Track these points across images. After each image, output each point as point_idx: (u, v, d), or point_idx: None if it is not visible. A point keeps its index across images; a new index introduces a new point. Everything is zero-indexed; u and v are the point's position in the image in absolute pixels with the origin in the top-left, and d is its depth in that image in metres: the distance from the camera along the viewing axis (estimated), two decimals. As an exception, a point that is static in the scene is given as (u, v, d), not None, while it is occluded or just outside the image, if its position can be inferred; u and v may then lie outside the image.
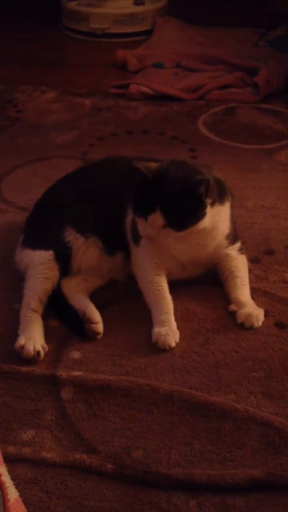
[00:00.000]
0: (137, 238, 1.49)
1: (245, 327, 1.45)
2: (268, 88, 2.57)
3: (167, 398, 1.28)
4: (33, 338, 1.38)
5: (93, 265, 1.55)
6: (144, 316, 1.49)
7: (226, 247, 1.53)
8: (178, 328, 1.43)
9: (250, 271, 1.57)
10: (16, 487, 1.07)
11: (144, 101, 2.57)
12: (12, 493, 1.05)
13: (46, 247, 1.52)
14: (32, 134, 2.35)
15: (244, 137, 2.29)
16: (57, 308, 1.49)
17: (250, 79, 2.65)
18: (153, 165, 1.41)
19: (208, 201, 1.40)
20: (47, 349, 1.38)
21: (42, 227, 1.59)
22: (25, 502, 1.08)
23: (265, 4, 3.54)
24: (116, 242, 1.55)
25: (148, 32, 3.26)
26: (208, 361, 1.37)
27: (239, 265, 1.54)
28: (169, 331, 1.40)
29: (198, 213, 1.39)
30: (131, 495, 1.11)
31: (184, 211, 1.38)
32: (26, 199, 1.90)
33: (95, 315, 1.44)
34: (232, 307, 1.49)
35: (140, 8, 3.26)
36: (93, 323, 1.43)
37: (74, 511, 1.09)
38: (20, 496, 1.06)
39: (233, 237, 1.54)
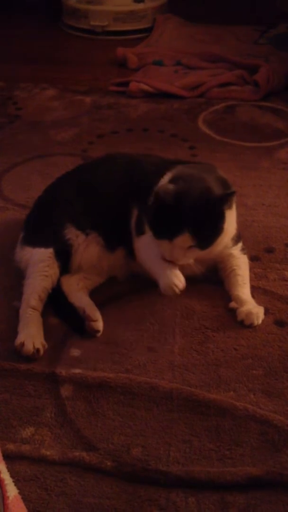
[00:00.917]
0: (141, 231, 1.48)
1: (245, 325, 1.45)
2: (268, 86, 2.57)
3: (167, 396, 1.28)
4: (33, 336, 1.38)
5: (93, 262, 1.55)
6: (144, 314, 1.49)
7: (231, 247, 1.53)
8: (177, 326, 1.43)
9: (250, 269, 1.57)
10: (15, 485, 1.07)
11: (144, 99, 2.57)
12: (12, 490, 1.04)
13: (46, 245, 1.52)
14: (32, 131, 2.35)
15: (244, 135, 2.29)
16: (56, 306, 1.49)
17: (250, 77, 2.64)
18: (169, 187, 1.38)
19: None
20: (46, 346, 1.38)
21: (42, 225, 1.59)
22: (25, 499, 1.08)
23: (265, 1, 3.53)
24: (117, 238, 1.55)
25: (148, 30, 3.25)
26: (208, 359, 1.37)
27: (241, 264, 1.54)
28: (173, 274, 1.38)
29: (221, 227, 1.40)
30: (131, 492, 1.11)
31: (210, 228, 1.39)
32: (26, 196, 1.90)
33: (95, 312, 1.44)
34: (233, 304, 1.49)
35: (140, 6, 3.26)
36: (93, 320, 1.43)
37: (73, 508, 1.09)
38: (19, 493, 1.06)
39: (237, 238, 1.55)
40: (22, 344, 1.36)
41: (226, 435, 1.21)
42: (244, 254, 1.57)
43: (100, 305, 1.48)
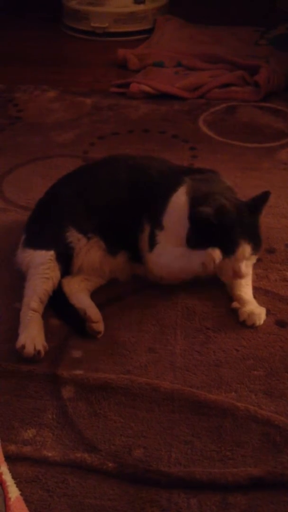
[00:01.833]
0: (153, 245, 1.51)
1: (246, 325, 1.45)
2: (269, 87, 2.57)
3: (168, 397, 1.28)
4: (34, 337, 1.38)
5: (95, 266, 1.55)
6: (145, 315, 1.49)
7: None
8: (178, 326, 1.44)
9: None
10: (17, 486, 1.07)
11: (144, 100, 2.57)
12: (13, 491, 1.05)
13: (47, 247, 1.52)
14: (33, 133, 2.35)
15: (245, 135, 2.29)
16: (58, 307, 1.49)
17: (251, 78, 2.64)
18: (206, 210, 1.41)
19: None
20: (47, 348, 1.38)
21: (43, 227, 1.59)
22: (26, 500, 1.08)
23: (265, 2, 3.53)
24: (120, 242, 1.55)
25: (149, 31, 3.25)
26: (209, 359, 1.37)
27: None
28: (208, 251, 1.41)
29: (260, 226, 1.50)
30: (132, 494, 1.11)
31: (257, 231, 1.48)
32: (27, 198, 1.90)
33: (96, 314, 1.44)
34: (235, 304, 1.50)
35: (141, 7, 3.26)
36: (94, 322, 1.43)
37: (75, 509, 1.09)
38: (21, 494, 1.06)
39: None
40: (23, 346, 1.36)
41: (227, 436, 1.21)
42: None
43: (101, 306, 1.48)
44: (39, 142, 2.28)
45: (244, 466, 1.15)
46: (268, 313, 1.48)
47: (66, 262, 1.52)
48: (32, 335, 1.38)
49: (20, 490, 1.07)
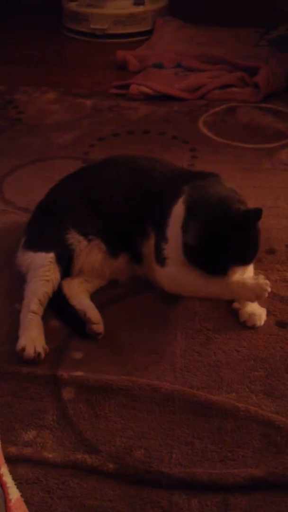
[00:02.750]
0: (162, 260, 1.49)
1: (247, 326, 1.45)
2: (269, 88, 2.57)
3: (169, 398, 1.28)
4: (34, 340, 1.38)
5: (95, 268, 1.55)
6: (145, 316, 1.49)
7: None
8: (179, 326, 1.44)
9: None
10: (17, 487, 1.07)
11: (144, 101, 2.57)
12: (14, 493, 1.04)
13: (47, 249, 1.52)
14: (32, 134, 2.35)
15: (245, 136, 2.29)
16: (58, 309, 1.49)
17: (251, 79, 2.64)
18: (187, 238, 1.40)
19: None
20: (47, 350, 1.38)
21: (44, 229, 1.59)
22: (27, 502, 1.07)
23: (265, 3, 3.53)
24: (121, 244, 1.54)
25: (149, 32, 3.25)
26: (210, 360, 1.37)
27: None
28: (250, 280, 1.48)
29: None
30: (133, 495, 1.11)
31: (249, 245, 1.47)
32: (27, 199, 1.90)
33: (96, 315, 1.44)
34: (236, 304, 1.49)
35: (140, 9, 3.26)
36: (94, 323, 1.43)
37: (75, 511, 1.09)
38: (21, 496, 1.06)
39: None
40: (23, 349, 1.36)
41: (228, 436, 1.21)
42: None
43: (101, 308, 1.48)
44: (39, 144, 2.28)
45: (245, 467, 1.15)
46: (268, 313, 1.48)
47: (66, 264, 1.52)
48: (32, 337, 1.38)
49: (20, 491, 1.07)
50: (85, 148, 2.23)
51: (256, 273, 1.60)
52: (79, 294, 1.51)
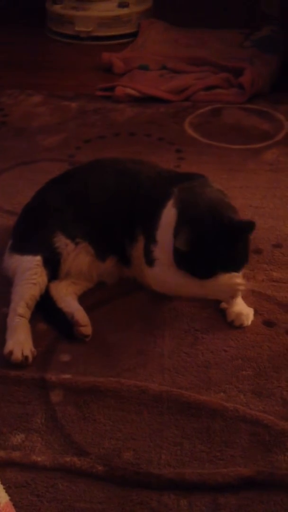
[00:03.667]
0: (151, 261, 1.49)
1: (234, 326, 1.46)
2: (253, 89, 2.58)
3: (157, 399, 1.28)
4: (21, 343, 1.37)
5: (83, 271, 1.54)
6: (133, 317, 1.49)
7: None
8: (166, 327, 1.44)
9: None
10: (6, 491, 1.07)
11: (130, 103, 2.57)
12: (3, 497, 1.04)
13: (34, 252, 1.51)
14: (18, 137, 2.34)
15: (231, 137, 2.30)
16: (45, 311, 1.49)
17: (235, 80, 2.65)
18: (177, 242, 1.40)
19: None
20: (35, 353, 1.38)
21: (30, 232, 1.58)
22: (16, 506, 1.07)
23: (249, 4, 3.55)
24: (109, 247, 1.54)
25: (133, 35, 3.25)
26: (198, 360, 1.37)
27: None
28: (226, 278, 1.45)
29: None
30: (122, 496, 1.11)
31: (240, 253, 1.48)
32: (13, 202, 1.89)
33: (83, 317, 1.44)
34: (223, 305, 1.50)
35: (125, 11, 3.26)
36: (82, 325, 1.42)
37: (65, 514, 1.09)
38: (10, 500, 1.06)
39: None
40: (11, 352, 1.35)
41: (217, 436, 1.21)
42: None
43: (89, 310, 1.48)
44: (24, 147, 2.28)
45: (234, 466, 1.15)
46: (255, 313, 1.49)
47: (53, 267, 1.52)
48: (19, 341, 1.38)
49: (9, 495, 1.07)
50: (71, 151, 2.23)
51: (244, 274, 1.60)
52: (67, 297, 1.51)
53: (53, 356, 1.39)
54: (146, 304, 1.53)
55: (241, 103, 2.54)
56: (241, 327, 1.46)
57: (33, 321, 1.45)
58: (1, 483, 1.09)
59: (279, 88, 2.65)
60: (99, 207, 1.56)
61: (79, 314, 1.45)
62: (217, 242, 1.39)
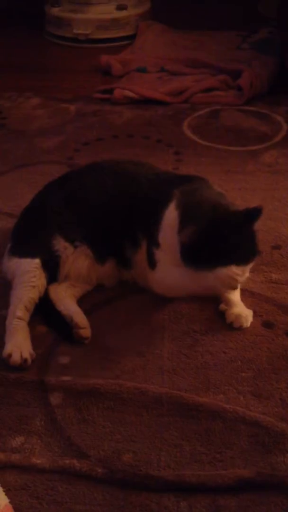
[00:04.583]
0: (153, 263, 1.49)
1: (234, 327, 1.46)
2: (252, 91, 2.59)
3: (156, 401, 1.28)
4: (20, 346, 1.37)
5: (82, 274, 1.54)
6: (132, 319, 1.49)
7: None
8: (165, 329, 1.44)
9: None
10: (6, 494, 1.07)
11: (128, 106, 2.58)
12: (2, 499, 1.04)
13: (33, 255, 1.51)
14: (17, 140, 2.34)
15: (229, 139, 2.30)
16: (44, 314, 1.49)
17: (234, 82, 2.66)
18: (181, 236, 1.40)
19: None
20: (34, 356, 1.38)
21: (29, 235, 1.58)
22: (16, 508, 1.07)
23: (247, 7, 3.56)
24: (108, 250, 1.54)
25: (132, 37, 3.26)
26: (197, 362, 1.37)
27: None
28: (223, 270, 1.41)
29: None
30: (122, 499, 1.11)
31: (248, 245, 1.46)
32: (12, 205, 1.89)
33: (82, 320, 1.44)
34: (222, 306, 1.50)
35: (123, 13, 3.27)
36: (81, 328, 1.42)
37: (65, 516, 1.09)
38: (10, 502, 1.06)
39: None
40: (10, 355, 1.35)
41: (216, 438, 1.21)
42: None
43: (88, 312, 1.48)
44: (23, 149, 2.28)
45: (233, 468, 1.15)
46: (254, 314, 1.49)
47: (52, 270, 1.52)
48: (18, 344, 1.38)
49: (9, 498, 1.07)
50: (69, 153, 2.23)
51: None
52: (66, 299, 1.51)
53: (53, 358, 1.39)
54: (145, 306, 1.53)
55: (239, 105, 2.55)
56: (240, 328, 1.46)
57: (32, 323, 1.45)
58: (1, 486, 1.09)
59: (277, 90, 2.66)
60: (98, 209, 1.56)
61: (78, 316, 1.45)
62: (224, 232, 1.38)
